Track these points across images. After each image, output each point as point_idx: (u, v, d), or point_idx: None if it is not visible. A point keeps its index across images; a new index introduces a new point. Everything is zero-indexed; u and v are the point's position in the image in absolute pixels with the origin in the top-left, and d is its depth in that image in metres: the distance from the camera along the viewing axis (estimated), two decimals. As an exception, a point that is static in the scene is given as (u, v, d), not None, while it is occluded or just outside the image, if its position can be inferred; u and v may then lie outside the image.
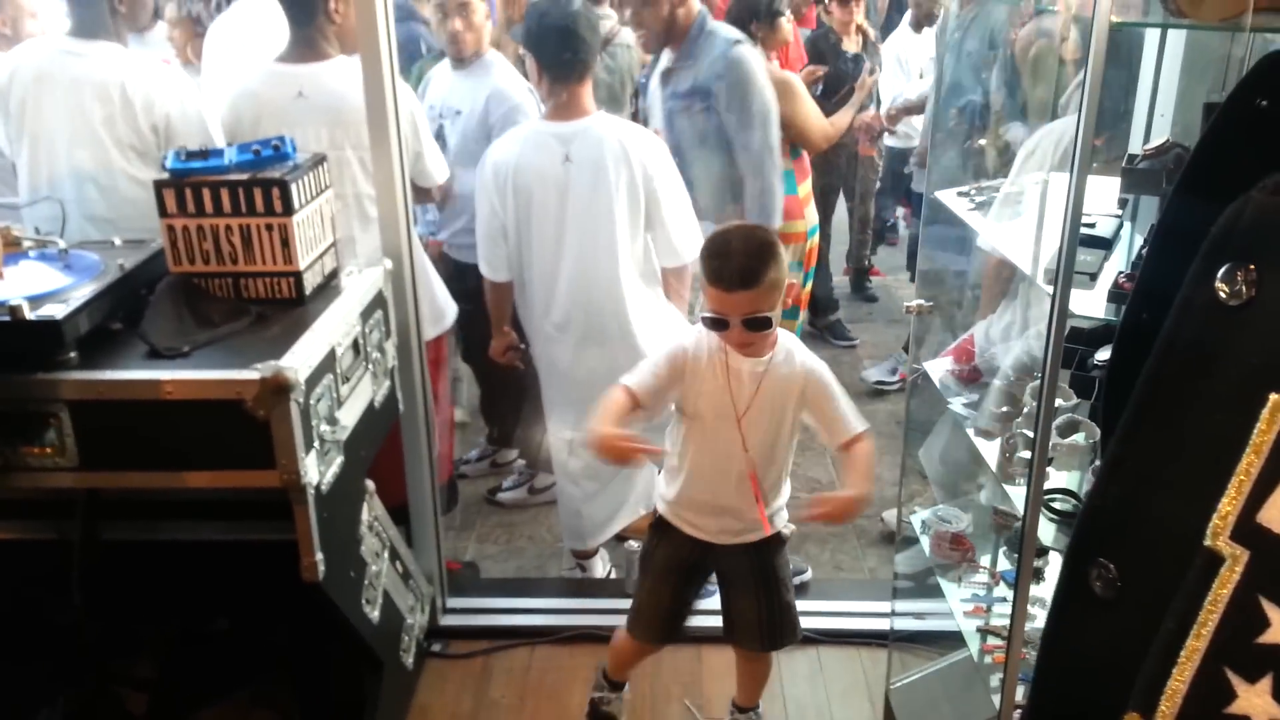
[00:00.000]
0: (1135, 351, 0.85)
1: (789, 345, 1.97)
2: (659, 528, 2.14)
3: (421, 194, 2.79)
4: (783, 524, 2.11)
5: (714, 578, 2.20)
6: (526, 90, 3.12)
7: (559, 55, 2.57)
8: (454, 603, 2.80)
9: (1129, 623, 0.77)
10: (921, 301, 1.97)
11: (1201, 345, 0.78)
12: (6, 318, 1.65)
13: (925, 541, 2.12)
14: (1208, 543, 0.75)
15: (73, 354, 1.72)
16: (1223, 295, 0.77)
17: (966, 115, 3.43)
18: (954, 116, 3.42)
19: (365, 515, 2.12)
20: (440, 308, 2.80)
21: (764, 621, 2.12)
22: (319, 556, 1.79)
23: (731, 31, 3.10)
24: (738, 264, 1.80)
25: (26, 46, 2.64)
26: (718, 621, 2.22)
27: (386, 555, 2.25)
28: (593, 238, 2.66)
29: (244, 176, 1.90)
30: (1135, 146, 2.01)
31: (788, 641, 2.17)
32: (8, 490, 1.79)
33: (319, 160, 2.06)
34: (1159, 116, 1.99)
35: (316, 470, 1.77)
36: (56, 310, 1.70)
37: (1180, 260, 0.80)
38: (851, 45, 4.68)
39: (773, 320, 1.85)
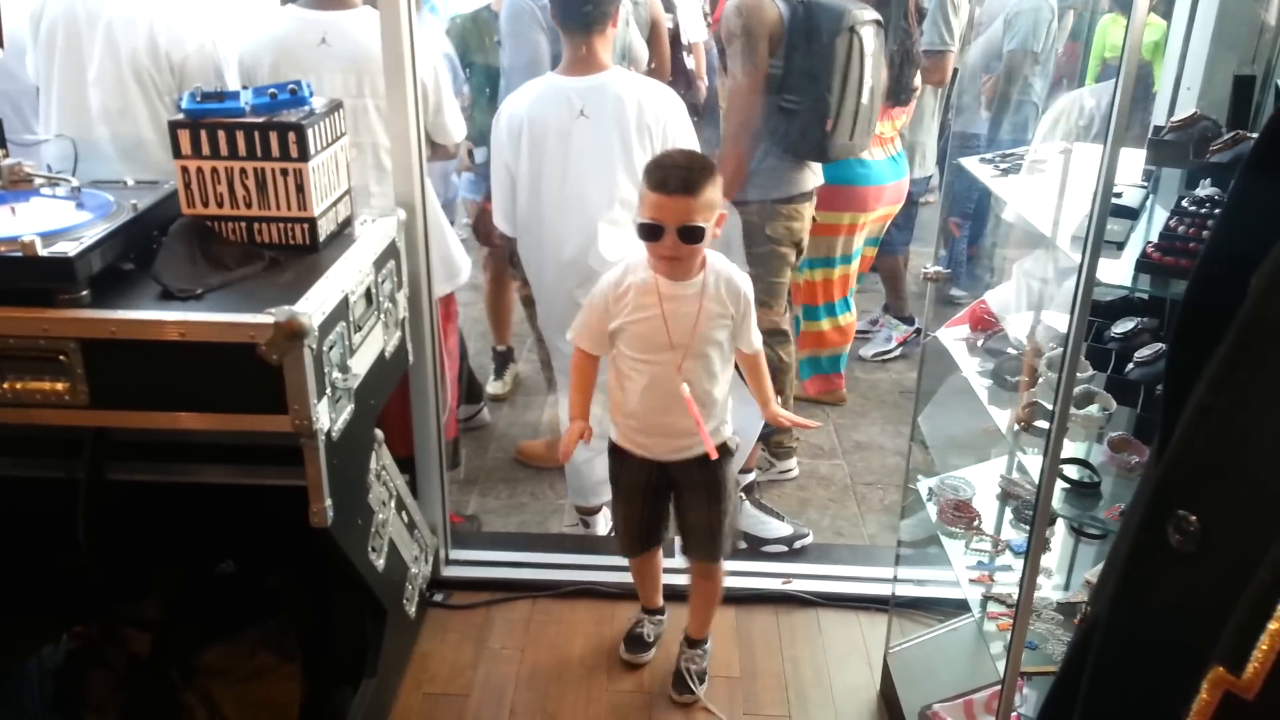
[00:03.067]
0: (1200, 316, 0.84)
1: (720, 266, 2.08)
2: (616, 453, 2.24)
3: (439, 151, 2.77)
4: (728, 436, 2.21)
5: None
6: None
7: (580, 7, 2.54)
8: (457, 555, 2.81)
9: (1211, 576, 0.76)
10: (939, 268, 1.96)
11: None
12: (18, 254, 1.64)
13: (931, 509, 2.12)
14: None
15: (84, 292, 1.70)
16: None
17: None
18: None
19: (373, 464, 2.12)
20: (455, 264, 2.78)
21: (713, 531, 2.25)
22: (328, 502, 1.79)
23: None
24: (681, 172, 1.92)
25: None
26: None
27: (393, 504, 2.25)
28: (592, 187, 2.64)
29: (260, 120, 1.88)
30: (1159, 118, 1.99)
31: (728, 549, 2.32)
32: (15, 427, 1.79)
33: (335, 106, 2.03)
34: (1185, 89, 1.97)
35: (328, 417, 1.76)
36: (69, 247, 1.68)
37: (1253, 228, 0.79)
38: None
39: (704, 234, 1.94)
